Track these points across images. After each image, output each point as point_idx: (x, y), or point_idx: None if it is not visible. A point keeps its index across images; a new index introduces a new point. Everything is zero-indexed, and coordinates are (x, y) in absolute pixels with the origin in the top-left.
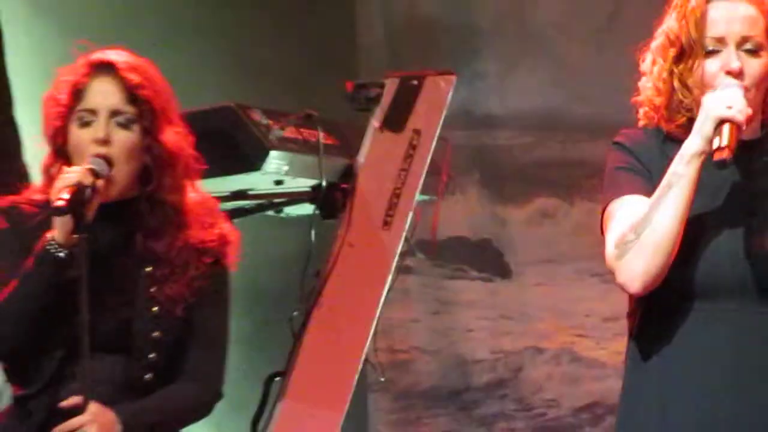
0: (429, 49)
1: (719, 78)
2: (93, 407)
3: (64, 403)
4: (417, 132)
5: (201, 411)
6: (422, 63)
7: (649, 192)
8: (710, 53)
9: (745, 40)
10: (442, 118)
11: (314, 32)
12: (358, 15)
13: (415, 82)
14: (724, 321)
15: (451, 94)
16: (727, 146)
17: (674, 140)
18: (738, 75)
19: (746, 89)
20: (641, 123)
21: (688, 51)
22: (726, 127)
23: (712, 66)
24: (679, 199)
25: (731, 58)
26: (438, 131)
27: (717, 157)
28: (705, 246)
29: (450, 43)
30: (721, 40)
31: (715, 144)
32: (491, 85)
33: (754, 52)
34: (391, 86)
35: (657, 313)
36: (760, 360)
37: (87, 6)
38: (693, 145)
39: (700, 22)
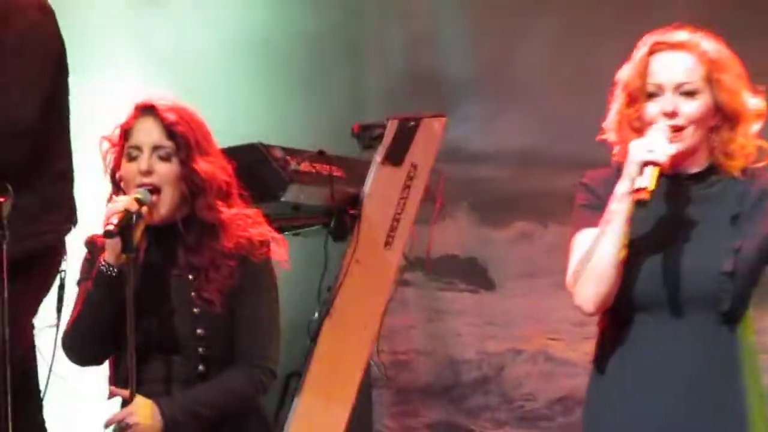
0: (425, 95)
1: (658, 119)
2: (138, 400)
3: (112, 392)
4: (414, 166)
5: (256, 391)
6: (419, 107)
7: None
8: (651, 97)
9: (681, 85)
10: (436, 154)
11: (326, 84)
12: (365, 67)
13: (413, 124)
14: (661, 330)
15: (443, 133)
16: (646, 188)
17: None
18: (672, 116)
19: (682, 128)
20: (614, 158)
21: (634, 96)
22: (647, 170)
23: (653, 109)
24: (614, 234)
25: (667, 101)
26: (432, 165)
27: (636, 197)
28: (649, 265)
29: (443, 90)
30: (660, 87)
31: (636, 185)
32: (479, 126)
33: (690, 95)
34: (391, 127)
35: (614, 322)
36: (689, 361)
37: None
38: (622, 186)
39: (644, 72)
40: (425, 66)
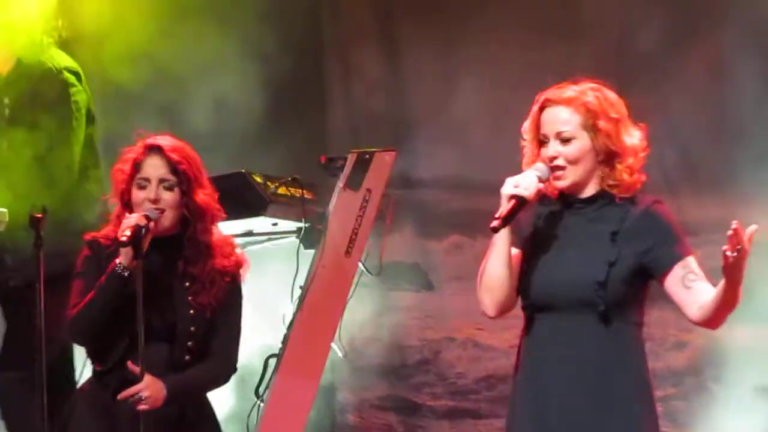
0: (378, 134)
1: (545, 161)
2: (147, 378)
3: (130, 366)
4: (369, 190)
5: (222, 380)
6: (373, 143)
7: (514, 244)
8: (543, 144)
9: (560, 134)
10: (387, 181)
11: (301, 124)
12: (331, 111)
13: (368, 156)
14: (555, 327)
15: (392, 164)
16: (500, 217)
17: (541, 202)
18: (552, 160)
19: (563, 168)
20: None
21: (532, 141)
22: (506, 202)
23: (543, 153)
24: (497, 253)
25: (550, 148)
26: (383, 190)
27: (491, 224)
28: (543, 273)
29: (392, 130)
30: (545, 136)
31: (497, 214)
32: (420, 158)
33: (566, 141)
34: (351, 159)
35: (526, 321)
36: (578, 353)
37: None
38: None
39: (537, 124)
40: (378, 110)
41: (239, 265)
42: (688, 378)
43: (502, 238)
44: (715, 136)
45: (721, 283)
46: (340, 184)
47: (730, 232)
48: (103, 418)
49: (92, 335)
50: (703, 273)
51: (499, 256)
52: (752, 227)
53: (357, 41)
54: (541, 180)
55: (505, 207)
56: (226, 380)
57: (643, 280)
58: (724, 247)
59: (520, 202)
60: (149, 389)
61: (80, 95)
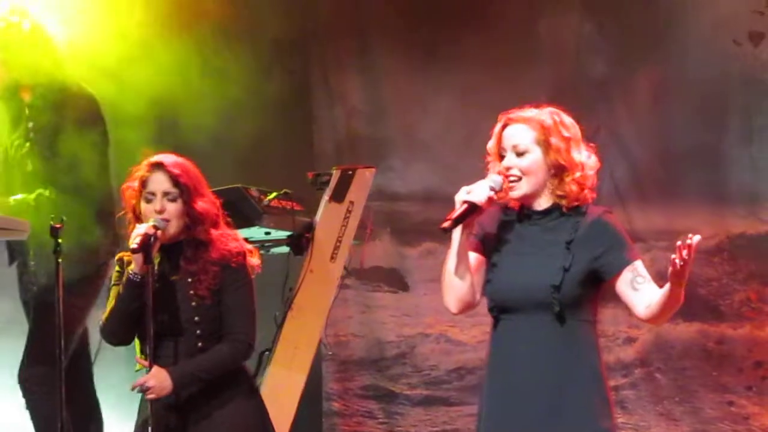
0: (359, 152)
1: (499, 172)
2: (153, 369)
3: (137, 369)
4: (351, 203)
5: (238, 359)
6: (355, 160)
7: (475, 249)
8: (503, 158)
9: (515, 147)
10: (367, 194)
11: (290, 144)
12: (318, 132)
13: (351, 172)
14: (517, 326)
15: (372, 179)
16: (449, 219)
17: (505, 213)
18: (507, 170)
19: (518, 178)
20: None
21: (495, 157)
22: (458, 207)
23: (502, 164)
24: (451, 256)
25: (507, 160)
26: (364, 202)
27: (442, 224)
28: (505, 277)
29: (371, 149)
30: (504, 149)
31: (448, 216)
32: (397, 174)
33: (521, 154)
34: (336, 175)
35: (493, 321)
36: (536, 350)
37: None
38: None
39: (499, 140)
40: (359, 131)
41: (239, 252)
42: (636, 369)
43: (457, 240)
44: (659, 154)
45: (667, 286)
46: (325, 197)
47: (679, 243)
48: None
49: (120, 336)
50: (650, 276)
51: (452, 258)
52: (696, 237)
53: (340, 70)
54: (493, 189)
55: (457, 211)
56: (245, 356)
57: (595, 282)
58: (673, 256)
59: (470, 207)
60: (154, 378)
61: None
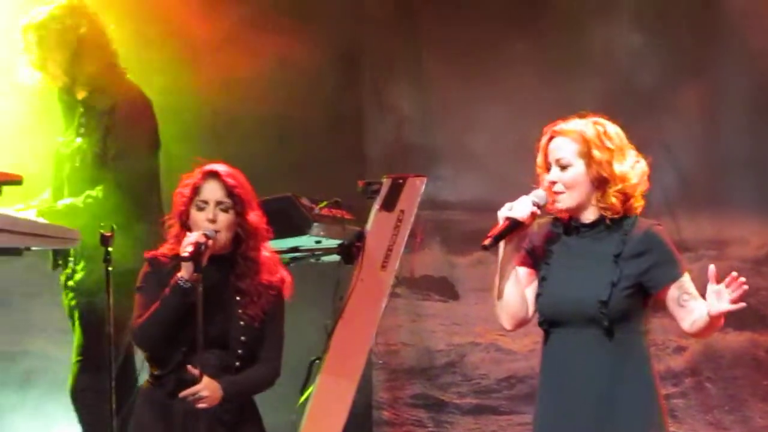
0: (410, 161)
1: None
2: (205, 379)
3: (189, 369)
4: (402, 212)
5: (268, 383)
6: (405, 169)
7: (524, 263)
8: (549, 170)
9: (558, 161)
10: (417, 203)
11: (341, 153)
12: (368, 141)
13: (401, 181)
14: (568, 340)
15: (422, 188)
16: (491, 235)
17: (554, 225)
18: (552, 184)
19: (561, 192)
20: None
21: (543, 170)
22: (500, 223)
23: (547, 177)
24: (501, 276)
25: (552, 174)
26: (415, 211)
27: (483, 241)
28: (555, 291)
29: (422, 157)
30: (549, 163)
31: (489, 233)
32: (447, 183)
33: (564, 168)
34: (386, 183)
35: (544, 335)
36: (588, 363)
37: None
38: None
39: (545, 153)
40: (410, 141)
41: (283, 281)
42: (686, 378)
43: (501, 256)
44: (707, 163)
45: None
46: (376, 206)
47: (728, 280)
48: (160, 414)
49: (157, 342)
50: (698, 285)
51: (506, 280)
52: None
53: (391, 79)
54: (536, 204)
55: (497, 228)
56: (271, 384)
57: (643, 295)
58: (717, 288)
59: (512, 223)
60: (207, 389)
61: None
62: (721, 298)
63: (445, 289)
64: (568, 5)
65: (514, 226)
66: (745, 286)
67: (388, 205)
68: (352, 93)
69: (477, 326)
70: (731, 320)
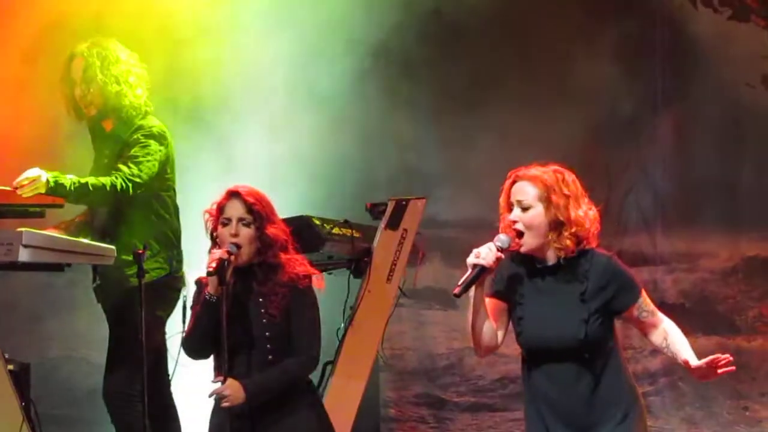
0: (412, 184)
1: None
2: (229, 380)
3: (213, 380)
4: (405, 230)
5: (305, 372)
6: (408, 192)
7: (491, 294)
8: (511, 210)
9: (520, 202)
10: (419, 222)
11: (349, 178)
12: (375, 166)
13: (404, 202)
14: (549, 367)
15: (424, 209)
16: (461, 284)
17: (513, 261)
18: (513, 223)
19: (522, 233)
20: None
21: (504, 210)
22: (469, 270)
23: (508, 218)
24: (471, 312)
25: (513, 214)
26: (417, 229)
27: (454, 290)
28: (537, 331)
29: (423, 181)
30: (512, 204)
31: (459, 282)
32: (446, 204)
33: (525, 209)
34: (391, 205)
35: (527, 360)
36: (572, 389)
37: None
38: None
39: (508, 194)
40: (412, 165)
41: (306, 275)
42: (661, 378)
43: (472, 298)
44: (681, 184)
45: (683, 352)
46: (382, 225)
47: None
48: (230, 414)
49: (199, 353)
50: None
51: (473, 313)
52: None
53: (394, 110)
54: (500, 249)
55: (467, 275)
56: (310, 369)
57: (611, 317)
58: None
59: (479, 270)
60: (229, 389)
61: (161, 154)
62: (710, 371)
63: (445, 299)
64: (554, 43)
65: (481, 272)
66: (732, 367)
67: (393, 224)
68: (361, 124)
69: None
70: (702, 325)
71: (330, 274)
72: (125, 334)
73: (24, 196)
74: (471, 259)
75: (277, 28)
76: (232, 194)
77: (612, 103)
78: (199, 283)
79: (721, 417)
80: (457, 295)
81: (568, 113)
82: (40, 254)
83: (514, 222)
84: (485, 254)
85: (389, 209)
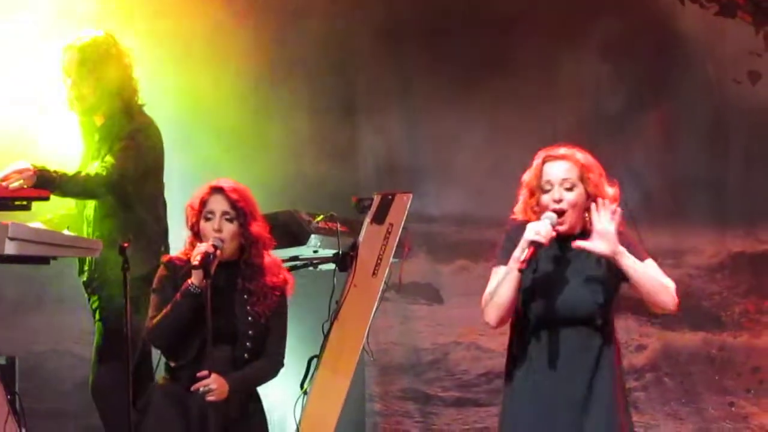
0: (398, 179)
1: (550, 205)
2: (213, 375)
3: (199, 374)
4: (391, 224)
5: (273, 375)
6: (394, 186)
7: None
8: (545, 191)
9: (564, 181)
10: (405, 217)
11: (337, 172)
12: (361, 162)
13: (390, 197)
14: (554, 338)
15: (409, 203)
16: (524, 261)
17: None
18: (558, 201)
19: (565, 211)
20: (519, 219)
21: (533, 191)
22: (525, 246)
23: (546, 198)
24: (510, 281)
25: (555, 192)
26: (402, 224)
27: (519, 267)
28: (547, 295)
29: (409, 176)
30: (550, 182)
31: (521, 257)
32: (432, 199)
33: (569, 189)
34: (377, 199)
35: (520, 335)
36: (574, 355)
37: None
38: (516, 252)
39: (539, 174)
40: (398, 161)
41: (286, 282)
42: (647, 374)
43: (515, 270)
44: (667, 182)
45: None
46: (367, 219)
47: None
48: (176, 406)
49: (168, 341)
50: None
51: (511, 284)
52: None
53: (383, 106)
54: (552, 226)
55: (527, 252)
56: (275, 374)
57: (619, 284)
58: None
59: (538, 246)
60: (216, 382)
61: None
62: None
63: (431, 294)
64: (541, 40)
65: (539, 247)
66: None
67: (379, 218)
68: (349, 118)
69: (459, 327)
70: (688, 321)
71: (315, 268)
72: (113, 328)
73: (11, 188)
74: (530, 236)
75: None
76: (216, 189)
77: (599, 99)
78: (169, 265)
79: (706, 413)
80: (521, 271)
81: (555, 110)
82: (27, 247)
83: (560, 200)
84: (544, 231)
85: (375, 203)
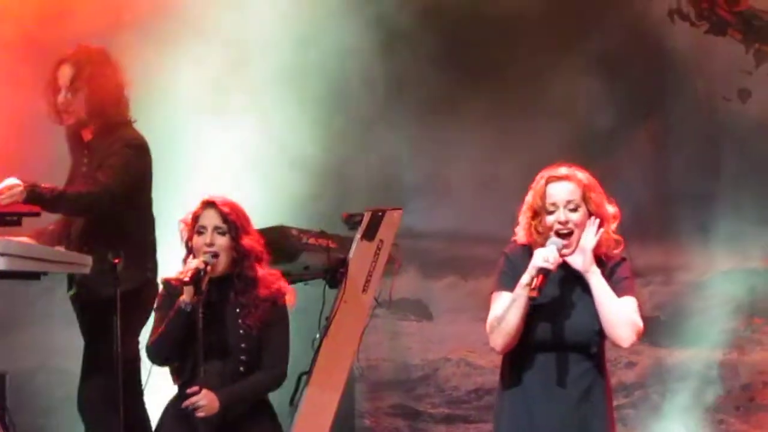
0: (388, 195)
1: (555, 226)
2: (203, 391)
3: (189, 390)
4: (381, 241)
5: (273, 386)
6: (384, 203)
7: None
8: (550, 212)
9: (569, 203)
10: (395, 233)
11: (326, 188)
12: (351, 179)
13: (380, 213)
14: (550, 362)
15: (400, 219)
16: (536, 288)
17: (523, 256)
18: (566, 223)
19: (572, 233)
20: (520, 241)
21: (537, 212)
22: (538, 276)
23: (551, 219)
24: (518, 308)
25: (560, 214)
26: (393, 240)
27: (530, 294)
28: (546, 320)
29: (399, 192)
30: (555, 204)
31: (532, 285)
32: (422, 215)
33: (573, 210)
34: (367, 215)
35: (516, 356)
36: (571, 382)
37: None
38: (524, 279)
39: (543, 195)
40: (388, 177)
41: (282, 292)
42: (636, 391)
43: (523, 296)
44: (657, 198)
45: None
46: (358, 235)
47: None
48: (184, 426)
49: (165, 358)
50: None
51: (519, 311)
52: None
53: (373, 124)
54: (558, 251)
55: (537, 280)
56: (277, 384)
57: None
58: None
59: (548, 272)
60: (205, 398)
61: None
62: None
63: (421, 310)
64: (532, 56)
65: (548, 274)
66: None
67: (369, 235)
68: (341, 136)
69: (449, 343)
70: (677, 339)
71: (305, 284)
72: (101, 343)
73: (2, 204)
74: (539, 263)
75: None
76: (207, 204)
77: (590, 115)
78: (168, 285)
79: (696, 430)
80: (534, 299)
81: (546, 126)
82: (17, 263)
83: (566, 222)
84: (552, 258)
85: (365, 220)
